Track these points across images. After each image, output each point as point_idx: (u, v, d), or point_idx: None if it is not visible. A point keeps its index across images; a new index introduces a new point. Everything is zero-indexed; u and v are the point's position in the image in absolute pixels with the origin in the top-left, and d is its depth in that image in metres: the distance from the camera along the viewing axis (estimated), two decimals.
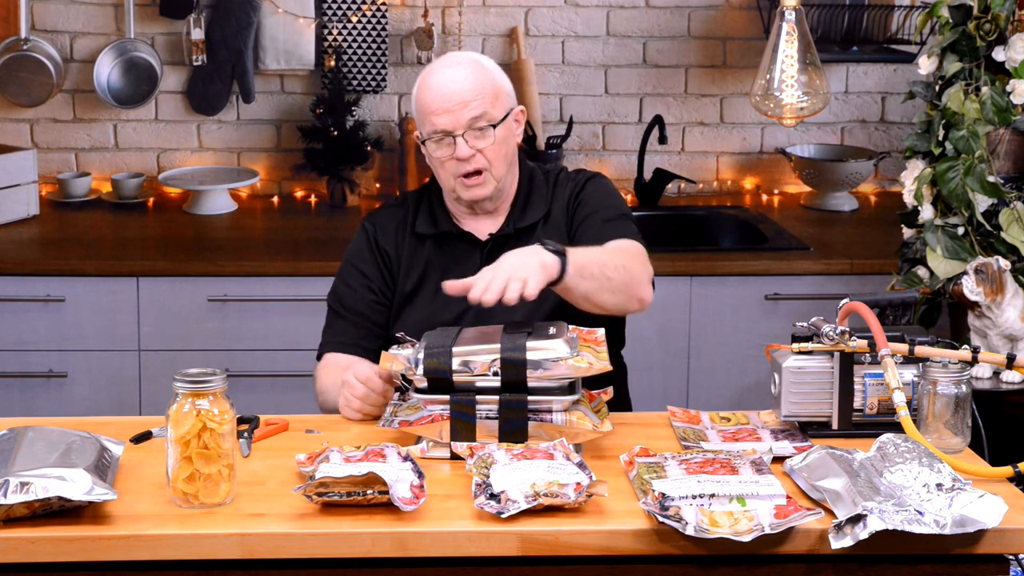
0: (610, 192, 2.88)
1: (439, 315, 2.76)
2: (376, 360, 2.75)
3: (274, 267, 3.95)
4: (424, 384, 2.35)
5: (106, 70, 4.49)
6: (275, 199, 4.62)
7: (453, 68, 2.73)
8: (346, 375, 2.59)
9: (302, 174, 4.56)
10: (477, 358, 2.33)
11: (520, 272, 2.39)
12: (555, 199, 2.86)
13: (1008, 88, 3.27)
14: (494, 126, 2.71)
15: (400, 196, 2.98)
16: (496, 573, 2.08)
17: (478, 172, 2.73)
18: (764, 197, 4.69)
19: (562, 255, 2.47)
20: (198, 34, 4.45)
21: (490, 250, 2.82)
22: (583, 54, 4.65)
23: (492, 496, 2.09)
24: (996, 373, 3.20)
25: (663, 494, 2.07)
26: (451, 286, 2.45)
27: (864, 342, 2.39)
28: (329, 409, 2.72)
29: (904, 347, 2.40)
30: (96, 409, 3.91)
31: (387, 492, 2.08)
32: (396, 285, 2.85)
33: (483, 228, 2.84)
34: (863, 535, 2.00)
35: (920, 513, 2.03)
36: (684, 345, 4.01)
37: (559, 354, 2.31)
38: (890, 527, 2.00)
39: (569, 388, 2.34)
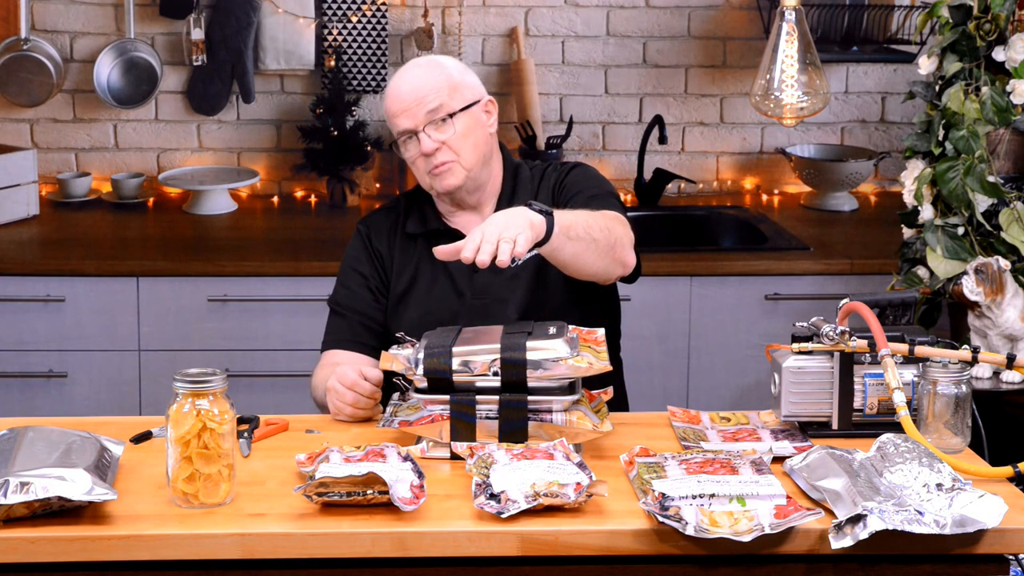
0: (594, 175, 2.90)
1: (433, 312, 2.77)
2: (377, 357, 2.76)
3: (274, 267, 3.96)
4: (424, 384, 2.35)
5: (106, 70, 4.49)
6: (275, 199, 4.62)
7: (410, 70, 2.79)
8: (331, 381, 2.59)
9: (302, 174, 4.56)
10: (477, 358, 2.33)
11: (509, 231, 2.38)
12: (541, 191, 2.87)
13: (1008, 88, 3.27)
14: (452, 115, 2.74)
15: (394, 199, 3.01)
16: (496, 573, 2.08)
17: (444, 162, 2.76)
18: (764, 197, 4.69)
19: (548, 215, 2.47)
20: (198, 34, 4.45)
21: None
22: (583, 54, 4.65)
23: (492, 496, 2.09)
24: (996, 373, 3.20)
25: (663, 494, 2.07)
26: (441, 251, 2.44)
27: (864, 342, 2.39)
28: (320, 403, 2.74)
29: (904, 347, 2.40)
30: (96, 409, 3.91)
31: (387, 492, 2.08)
32: (390, 284, 2.86)
33: (471, 225, 2.84)
34: (863, 535, 2.00)
35: (920, 513, 2.03)
36: (684, 345, 4.01)
37: (559, 354, 2.31)
38: (890, 527, 2.00)
39: (569, 388, 2.34)
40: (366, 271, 2.88)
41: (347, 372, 2.57)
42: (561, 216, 2.50)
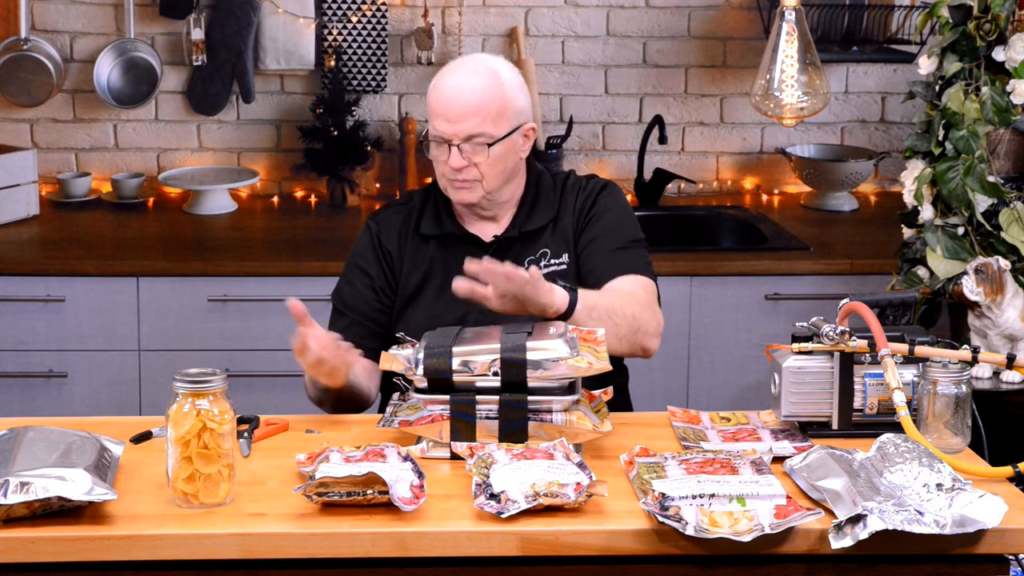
0: (623, 210, 2.87)
1: (441, 316, 2.76)
2: (375, 358, 2.76)
3: (274, 267, 3.95)
4: (424, 384, 2.35)
5: (106, 70, 4.49)
6: (275, 199, 4.62)
7: (467, 75, 2.73)
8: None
9: (302, 174, 4.56)
10: (477, 358, 2.33)
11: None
12: (563, 205, 2.85)
13: (1008, 88, 3.27)
14: (491, 144, 2.71)
15: (406, 195, 2.97)
16: (496, 573, 2.08)
17: (468, 179, 2.74)
18: (764, 197, 4.69)
19: (573, 291, 2.54)
20: (198, 34, 4.45)
21: (494, 252, 2.82)
22: (583, 54, 4.65)
23: (492, 496, 2.09)
24: (996, 373, 3.20)
25: (663, 494, 2.07)
26: (472, 268, 2.50)
27: (864, 342, 2.39)
28: (313, 399, 2.75)
29: (904, 347, 2.40)
30: (96, 409, 3.91)
31: (387, 492, 2.08)
32: (398, 284, 2.85)
33: (488, 230, 2.84)
34: (863, 535, 2.00)
35: (920, 513, 2.03)
36: (684, 345, 4.01)
37: (559, 354, 2.31)
38: (890, 527, 2.00)
39: (569, 388, 2.34)
40: (372, 271, 2.86)
41: (294, 339, 2.58)
42: (586, 295, 2.56)
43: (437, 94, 2.73)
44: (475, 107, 2.70)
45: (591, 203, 2.85)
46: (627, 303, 2.66)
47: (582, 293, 2.55)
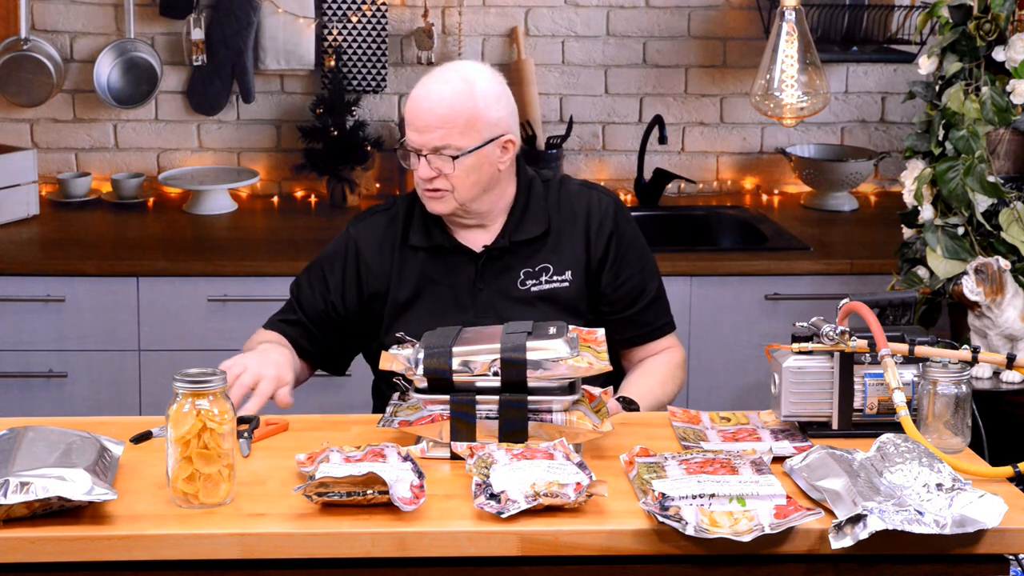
0: (641, 240, 2.89)
1: (434, 327, 2.74)
2: (310, 360, 2.81)
3: (274, 267, 3.95)
4: (424, 384, 2.35)
5: (106, 70, 4.49)
6: (275, 199, 4.62)
7: (438, 84, 2.69)
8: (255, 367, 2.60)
9: (302, 174, 4.56)
10: (477, 358, 2.33)
11: None
12: (563, 217, 2.83)
13: (1008, 88, 3.27)
14: (456, 157, 2.68)
15: (389, 201, 2.93)
16: (496, 573, 2.08)
17: (438, 189, 2.73)
18: (764, 197, 4.69)
19: (635, 407, 2.73)
20: (198, 34, 4.45)
21: (484, 263, 2.81)
22: (583, 54, 4.65)
23: (492, 496, 2.09)
24: (996, 373, 3.20)
25: (663, 494, 2.07)
26: None
27: (864, 342, 2.39)
28: None
29: (904, 347, 2.40)
30: (96, 409, 3.91)
31: (387, 492, 2.08)
32: (387, 295, 2.83)
33: (477, 240, 2.82)
34: (863, 535, 2.00)
35: (920, 513, 2.03)
36: (684, 345, 4.00)
37: (559, 354, 2.31)
38: (890, 527, 2.00)
39: (569, 388, 2.34)
40: (332, 282, 2.84)
41: (264, 385, 2.58)
42: (643, 404, 2.74)
43: (409, 103, 2.71)
44: (441, 118, 2.67)
45: (610, 229, 2.83)
46: (668, 387, 2.86)
47: (641, 403, 2.74)
